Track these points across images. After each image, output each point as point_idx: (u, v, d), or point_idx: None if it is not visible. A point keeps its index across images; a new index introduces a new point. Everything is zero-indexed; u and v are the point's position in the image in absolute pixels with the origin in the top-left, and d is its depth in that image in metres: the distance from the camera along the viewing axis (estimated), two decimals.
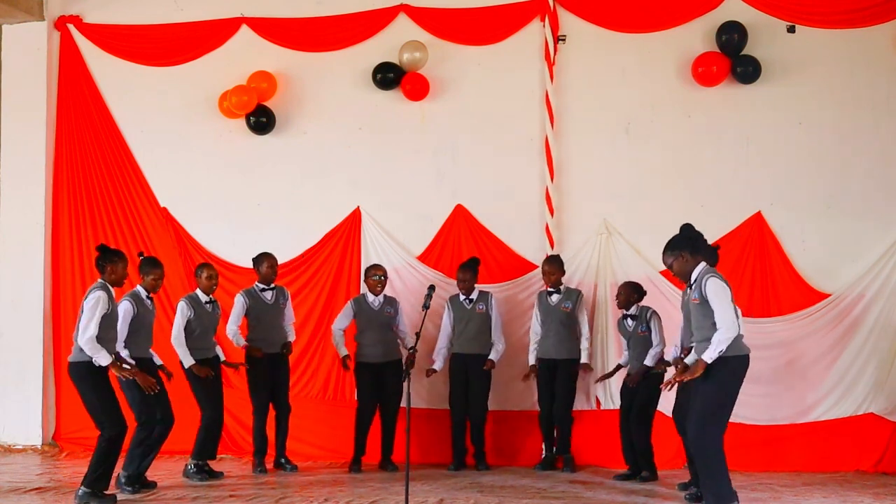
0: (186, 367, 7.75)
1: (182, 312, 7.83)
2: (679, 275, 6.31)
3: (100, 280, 6.89)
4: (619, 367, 8.12)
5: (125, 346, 7.13)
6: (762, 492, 7.27)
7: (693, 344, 6.30)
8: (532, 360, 8.39)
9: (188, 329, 7.83)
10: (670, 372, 7.80)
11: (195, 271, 8.23)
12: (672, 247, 6.27)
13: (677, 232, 6.34)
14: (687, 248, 6.22)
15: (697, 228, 6.37)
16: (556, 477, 7.97)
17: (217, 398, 7.96)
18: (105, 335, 6.73)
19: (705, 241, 6.40)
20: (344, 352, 8.38)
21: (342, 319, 8.45)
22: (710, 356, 5.97)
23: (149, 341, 7.38)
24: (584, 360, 8.28)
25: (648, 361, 7.75)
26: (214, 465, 8.10)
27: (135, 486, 7.16)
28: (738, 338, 6.05)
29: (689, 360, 6.32)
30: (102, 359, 6.67)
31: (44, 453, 9.35)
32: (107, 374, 6.84)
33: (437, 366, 8.46)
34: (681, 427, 6.82)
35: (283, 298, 8.41)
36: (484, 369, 8.33)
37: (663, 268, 8.31)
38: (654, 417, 7.79)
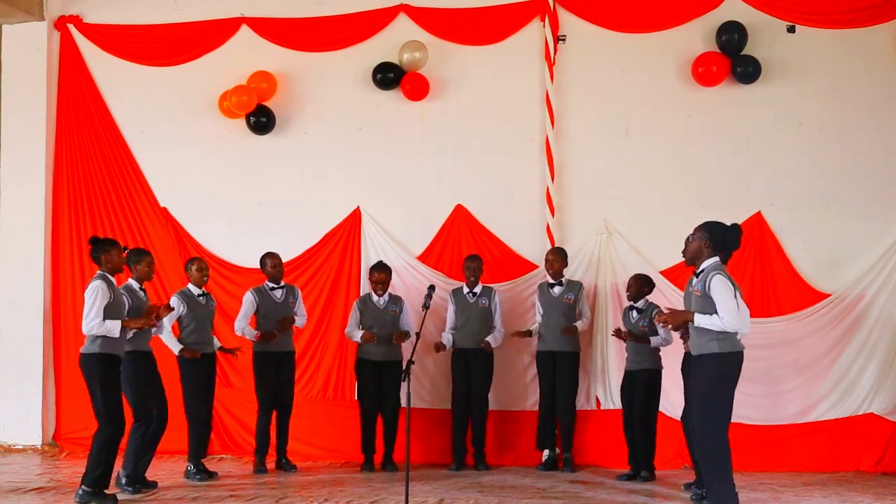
0: (177, 353, 7.73)
1: (175, 308, 7.82)
2: (689, 253, 6.30)
3: (98, 272, 6.89)
4: (628, 331, 7.93)
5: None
6: (762, 492, 7.27)
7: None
8: (531, 329, 8.40)
9: (182, 323, 7.84)
10: (667, 373, 7.86)
11: (185, 265, 8.21)
12: (707, 229, 6.23)
13: (717, 221, 6.33)
14: (715, 240, 6.20)
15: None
16: (556, 477, 7.97)
17: (206, 397, 7.93)
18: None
19: (734, 250, 6.36)
20: (358, 334, 8.29)
21: (353, 323, 8.43)
22: (700, 320, 5.98)
23: (148, 335, 7.37)
24: (576, 324, 8.24)
25: (654, 342, 7.72)
26: (214, 465, 8.10)
27: (135, 486, 7.15)
28: (734, 334, 6.05)
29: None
30: (114, 328, 6.68)
31: (44, 453, 9.34)
32: (117, 370, 6.83)
33: (446, 341, 8.44)
34: (688, 431, 6.81)
35: (292, 297, 8.41)
36: (481, 347, 8.33)
37: (663, 267, 8.44)
38: (656, 418, 7.79)
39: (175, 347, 7.77)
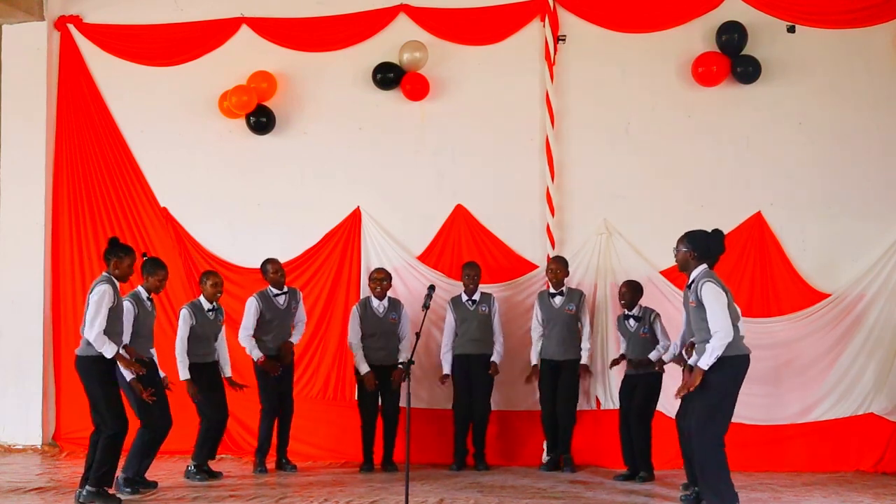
0: (182, 379, 7.71)
1: (185, 321, 7.81)
2: (678, 262, 6.44)
3: (105, 273, 6.89)
4: (623, 356, 8.00)
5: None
6: (762, 492, 7.27)
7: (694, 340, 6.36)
8: (534, 360, 8.37)
9: (188, 335, 7.83)
10: (668, 374, 7.86)
11: (200, 279, 8.19)
12: (689, 240, 6.34)
13: (699, 229, 6.43)
14: (699, 250, 6.29)
15: (699, 228, 6.49)
16: (556, 477, 7.97)
17: (218, 401, 7.94)
18: (111, 329, 6.73)
19: (719, 255, 6.43)
20: (365, 368, 8.23)
21: (354, 329, 8.35)
22: (705, 363, 6.04)
23: (149, 342, 7.37)
24: (584, 361, 8.28)
25: (653, 356, 7.73)
26: (214, 466, 8.10)
27: (134, 488, 7.16)
28: (738, 338, 6.07)
29: (691, 361, 6.33)
30: (108, 351, 6.67)
31: (44, 453, 9.34)
32: (113, 370, 6.85)
33: (447, 369, 8.45)
34: (682, 430, 6.83)
35: (294, 301, 8.40)
36: (489, 373, 8.35)
37: (663, 267, 8.44)
38: (653, 417, 7.79)
39: (183, 373, 7.72)
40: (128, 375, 6.99)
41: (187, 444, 7.95)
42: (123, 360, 6.80)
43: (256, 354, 8.15)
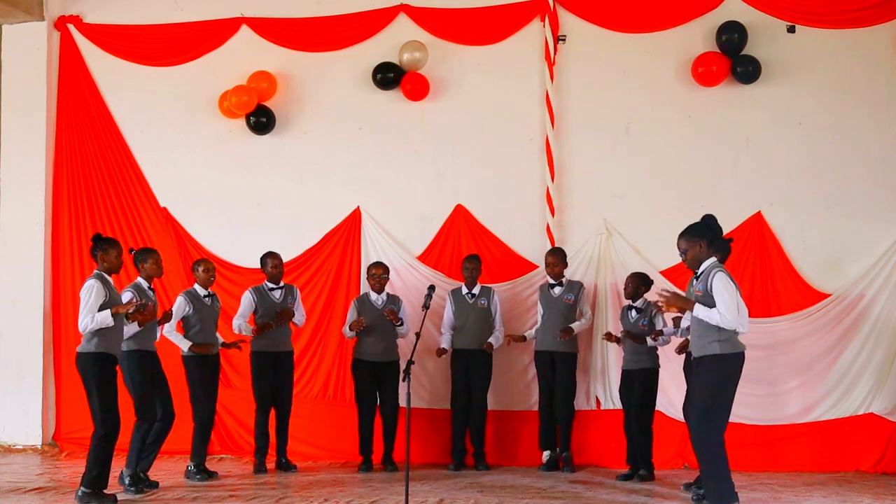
0: (185, 350, 7.75)
1: (179, 307, 7.84)
2: (690, 263, 6.29)
3: (95, 270, 6.90)
4: (616, 337, 7.95)
5: (128, 338, 7.09)
6: (762, 492, 7.27)
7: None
8: (526, 335, 8.43)
9: (188, 324, 7.85)
10: (666, 372, 7.86)
11: (192, 266, 8.26)
12: (691, 233, 6.24)
13: (691, 223, 6.33)
14: (706, 238, 6.22)
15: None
16: (556, 477, 7.97)
17: (213, 397, 7.97)
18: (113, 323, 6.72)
19: (723, 235, 6.41)
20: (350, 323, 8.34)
21: (349, 320, 8.42)
22: (698, 311, 6.00)
23: (153, 334, 7.38)
24: (571, 325, 8.23)
25: (650, 342, 7.71)
26: (214, 465, 8.11)
27: (138, 486, 7.15)
28: (734, 335, 6.06)
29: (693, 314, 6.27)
30: (107, 320, 6.66)
31: (44, 453, 9.35)
32: (113, 369, 6.84)
33: (445, 344, 8.47)
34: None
35: (291, 297, 8.41)
36: (483, 349, 8.34)
37: (663, 267, 8.44)
38: (653, 416, 7.79)
39: (184, 345, 7.78)
40: (130, 330, 7.00)
41: (186, 444, 7.94)
42: (119, 308, 6.75)
43: (249, 329, 8.18)
